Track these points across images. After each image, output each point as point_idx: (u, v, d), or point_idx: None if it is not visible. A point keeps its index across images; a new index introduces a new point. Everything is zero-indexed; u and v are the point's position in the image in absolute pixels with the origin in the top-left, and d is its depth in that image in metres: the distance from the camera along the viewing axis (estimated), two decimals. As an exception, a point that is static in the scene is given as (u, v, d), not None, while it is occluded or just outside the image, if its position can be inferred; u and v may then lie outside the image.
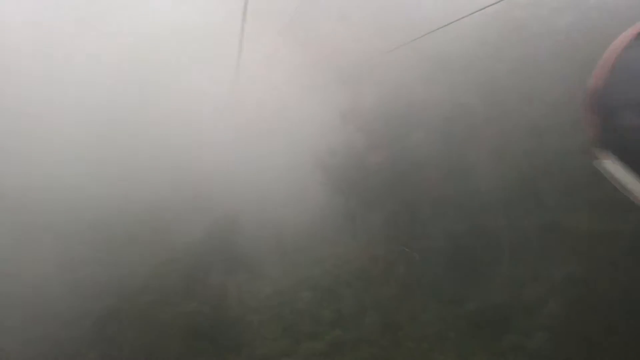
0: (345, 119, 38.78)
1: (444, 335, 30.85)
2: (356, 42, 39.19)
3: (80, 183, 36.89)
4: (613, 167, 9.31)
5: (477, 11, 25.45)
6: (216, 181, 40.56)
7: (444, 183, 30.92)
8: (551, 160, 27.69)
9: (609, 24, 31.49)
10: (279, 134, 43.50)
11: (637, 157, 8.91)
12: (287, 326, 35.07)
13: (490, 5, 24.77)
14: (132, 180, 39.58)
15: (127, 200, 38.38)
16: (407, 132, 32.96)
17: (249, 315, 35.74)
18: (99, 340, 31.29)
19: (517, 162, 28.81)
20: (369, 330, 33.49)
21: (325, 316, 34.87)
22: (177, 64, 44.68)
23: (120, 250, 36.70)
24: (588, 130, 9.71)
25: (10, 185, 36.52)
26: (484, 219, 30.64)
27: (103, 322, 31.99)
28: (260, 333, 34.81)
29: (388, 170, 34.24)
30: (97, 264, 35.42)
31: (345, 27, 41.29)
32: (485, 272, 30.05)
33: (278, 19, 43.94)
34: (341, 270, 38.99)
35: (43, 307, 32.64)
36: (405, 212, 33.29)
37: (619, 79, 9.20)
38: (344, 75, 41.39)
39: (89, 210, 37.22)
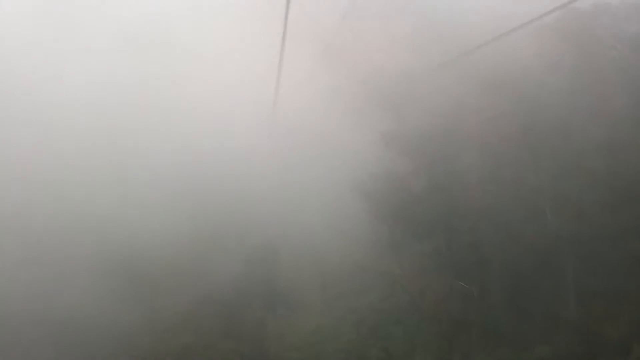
0: (387, 142, 36.15)
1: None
2: (398, 60, 36.73)
3: (112, 216, 35.27)
4: None
5: (533, 20, 22.56)
6: (254, 210, 38.26)
7: (502, 210, 27.75)
8: (631, 181, 24.18)
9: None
10: (318, 158, 41.11)
11: None
12: (331, 366, 32.56)
13: (547, 13, 21.93)
14: (168, 211, 37.75)
15: (163, 233, 36.47)
16: (456, 154, 29.97)
17: (289, 353, 33.08)
18: (134, 382, 30.11)
19: (587, 185, 25.44)
20: (419, 371, 31.17)
21: (371, 355, 31.94)
22: (214, 88, 43.12)
23: (156, 286, 34.70)
24: None
25: (44, 224, 35.20)
26: (549, 250, 27.29)
27: (139, 363, 30.63)
28: (302, 373, 32.44)
29: (436, 196, 31.21)
30: (132, 302, 33.46)
31: (387, 45, 38.92)
32: (554, 311, 26.59)
33: (317, 42, 41.89)
34: (387, 304, 35.93)
35: (78, 347, 31.52)
36: (458, 241, 30.14)
37: None
38: (385, 95, 38.89)
39: (123, 245, 35.27)
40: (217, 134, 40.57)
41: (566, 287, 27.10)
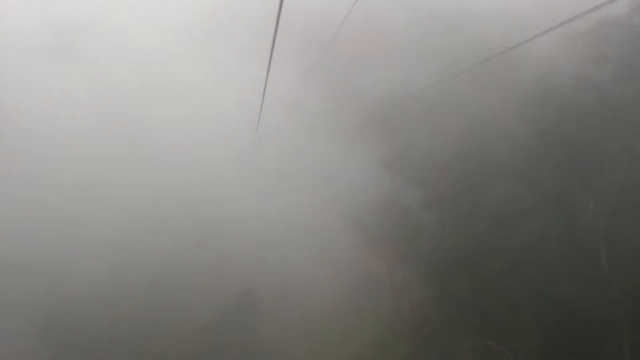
0: (389, 168, 30.23)
1: None
2: (400, 74, 31.30)
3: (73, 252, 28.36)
4: None
5: (563, 23, 17.01)
6: (232, 245, 31.38)
7: (544, 253, 21.66)
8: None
9: None
10: (306, 188, 34.88)
11: None
12: None
13: (580, 15, 16.48)
14: (135, 245, 30.91)
15: (129, 272, 29.65)
16: (483, 184, 24.02)
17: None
18: None
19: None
20: None
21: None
22: (194, 109, 36.72)
23: (113, 335, 27.73)
24: None
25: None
26: (603, 309, 21.29)
27: None
28: None
29: (454, 232, 25.04)
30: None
31: (386, 58, 33.49)
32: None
33: (305, 63, 35.65)
34: (380, 356, 29.67)
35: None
36: (481, 290, 23.90)
37: None
38: (385, 115, 33.10)
39: (82, 285, 28.35)
40: (192, 165, 34.19)
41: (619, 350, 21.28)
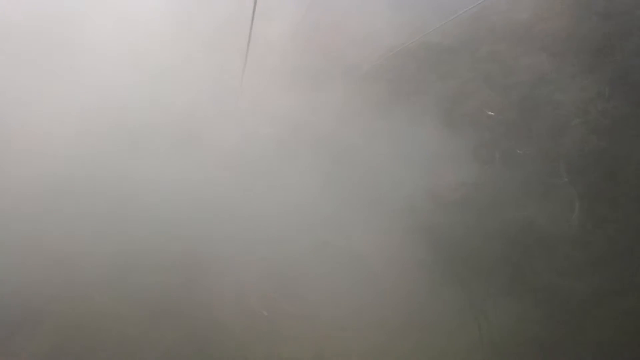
0: (481, 125, 19.08)
1: None
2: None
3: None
4: None
5: None
6: (216, 256, 18.83)
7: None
8: None
9: None
10: (317, 168, 22.46)
11: None
12: None
13: None
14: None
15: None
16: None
17: None
18: None
19: None
20: None
21: None
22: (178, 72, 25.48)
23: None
24: None
25: None
26: None
27: None
28: None
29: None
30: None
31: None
32: None
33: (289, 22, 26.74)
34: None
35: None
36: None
37: None
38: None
39: None
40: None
41: None
